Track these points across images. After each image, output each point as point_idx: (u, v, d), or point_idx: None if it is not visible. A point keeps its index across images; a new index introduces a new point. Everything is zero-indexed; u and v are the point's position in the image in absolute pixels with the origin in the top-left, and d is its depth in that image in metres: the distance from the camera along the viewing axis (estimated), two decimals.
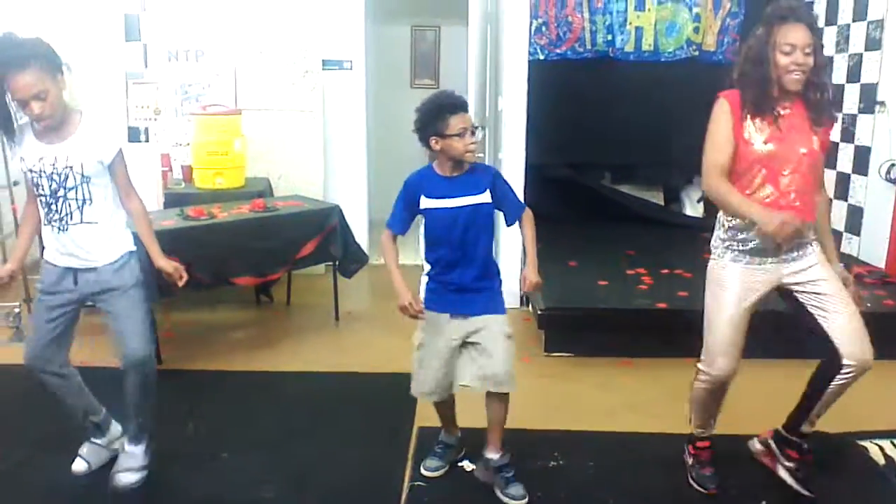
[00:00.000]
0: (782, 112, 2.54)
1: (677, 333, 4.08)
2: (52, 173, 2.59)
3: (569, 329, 4.20)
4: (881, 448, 3.12)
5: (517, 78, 4.87)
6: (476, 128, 2.64)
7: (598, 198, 6.45)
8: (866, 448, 3.13)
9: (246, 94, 5.52)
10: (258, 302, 5.01)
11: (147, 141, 5.50)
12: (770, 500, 2.78)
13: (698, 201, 6.35)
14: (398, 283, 2.67)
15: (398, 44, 7.31)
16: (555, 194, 6.20)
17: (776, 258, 2.60)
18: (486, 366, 2.67)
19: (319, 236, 4.41)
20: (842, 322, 2.56)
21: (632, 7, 6.12)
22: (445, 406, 2.93)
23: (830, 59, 5.47)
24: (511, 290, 4.64)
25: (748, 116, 2.53)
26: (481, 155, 5.26)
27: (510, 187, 2.75)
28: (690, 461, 2.93)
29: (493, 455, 2.79)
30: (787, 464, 2.86)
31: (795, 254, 2.61)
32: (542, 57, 6.07)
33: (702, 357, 2.74)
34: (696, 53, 6.23)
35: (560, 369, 4.03)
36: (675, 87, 6.04)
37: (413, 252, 2.86)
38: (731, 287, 2.64)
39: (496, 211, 2.73)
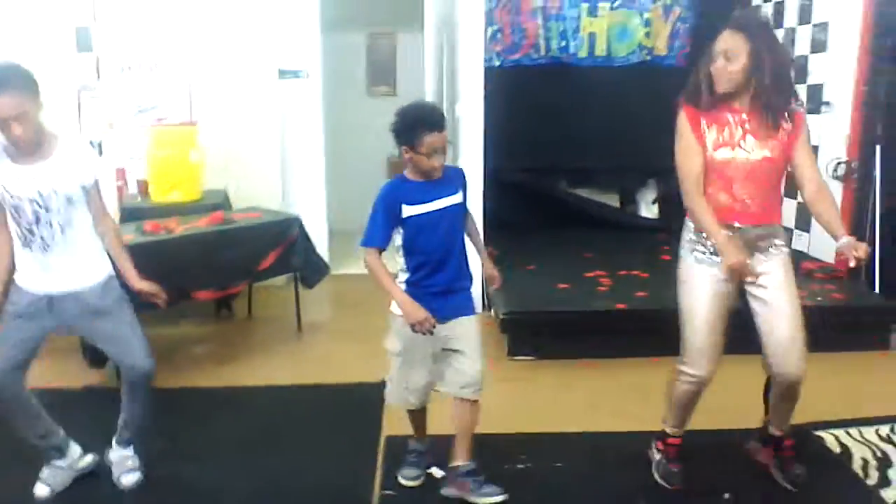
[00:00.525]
0: (736, 118, 2.60)
1: (637, 333, 4.17)
2: (35, 197, 2.57)
3: (531, 332, 4.24)
4: (836, 437, 3.23)
5: (473, 84, 4.91)
6: (448, 144, 2.64)
7: (555, 202, 6.52)
8: (822, 438, 3.23)
9: (201, 105, 5.46)
10: (218, 315, 4.96)
11: (101, 154, 5.41)
12: (735, 493, 2.84)
13: (653, 203, 6.46)
14: (404, 300, 2.62)
15: (354, 51, 7.30)
16: (513, 199, 6.25)
17: None
18: (466, 372, 2.70)
19: (280, 247, 4.39)
20: (778, 335, 2.65)
21: (585, 13, 6.23)
22: (420, 413, 2.94)
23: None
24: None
25: (704, 125, 2.60)
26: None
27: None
28: (658, 457, 2.98)
29: (462, 462, 2.78)
30: (763, 460, 2.96)
31: (761, 256, 2.66)
32: (497, 63, 6.13)
33: (682, 359, 2.76)
34: (648, 58, 6.36)
35: (523, 372, 4.07)
36: (629, 90, 6.16)
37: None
38: (701, 288, 2.68)
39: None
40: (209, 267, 4.10)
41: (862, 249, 2.51)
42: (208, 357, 4.37)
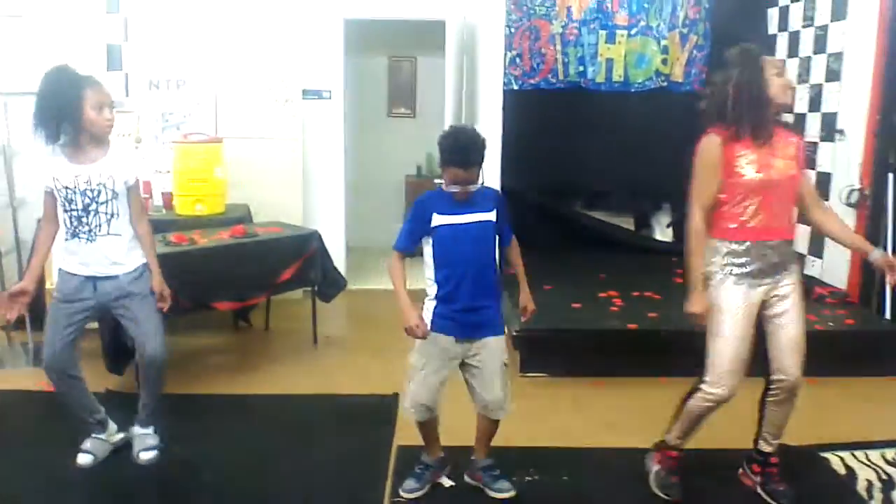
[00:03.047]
0: (768, 139, 2.68)
1: (647, 353, 4.22)
2: (87, 189, 2.95)
3: (543, 350, 4.30)
4: (842, 459, 3.26)
5: (492, 107, 5.03)
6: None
7: (571, 223, 6.60)
8: (828, 459, 3.26)
9: (227, 122, 5.62)
10: (236, 326, 5.06)
11: None
12: None
13: (667, 226, 6.52)
14: (405, 303, 2.74)
15: (376, 74, 7.48)
16: (529, 220, 6.32)
17: (771, 279, 2.73)
18: (484, 393, 2.81)
19: (299, 261, 4.49)
20: (783, 337, 2.73)
21: (603, 40, 6.33)
22: (430, 426, 2.97)
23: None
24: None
25: (737, 149, 2.67)
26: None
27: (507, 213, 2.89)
28: (656, 468, 3.02)
29: (479, 458, 3.00)
30: (753, 478, 2.98)
31: (780, 275, 2.75)
32: (515, 87, 6.24)
33: (705, 378, 2.79)
34: (665, 84, 6.44)
35: (534, 389, 4.12)
36: (645, 116, 6.24)
37: (416, 277, 2.90)
38: (732, 308, 2.73)
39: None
40: (229, 278, 4.21)
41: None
42: (225, 367, 4.47)
